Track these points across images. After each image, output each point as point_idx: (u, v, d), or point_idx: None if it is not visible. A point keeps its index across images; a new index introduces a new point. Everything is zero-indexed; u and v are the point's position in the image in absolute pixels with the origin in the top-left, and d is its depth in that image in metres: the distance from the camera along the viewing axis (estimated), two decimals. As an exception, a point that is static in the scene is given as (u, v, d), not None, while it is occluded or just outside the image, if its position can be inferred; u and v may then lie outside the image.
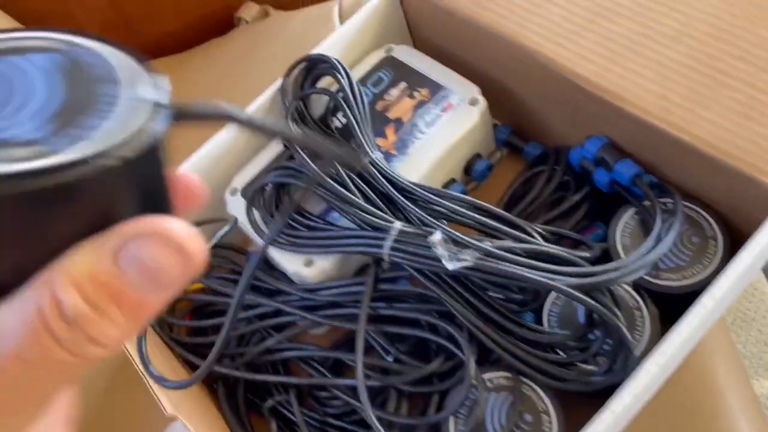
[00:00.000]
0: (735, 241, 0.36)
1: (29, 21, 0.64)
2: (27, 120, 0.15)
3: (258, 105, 0.44)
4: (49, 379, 0.14)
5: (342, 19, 0.61)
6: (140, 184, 0.16)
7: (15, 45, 0.17)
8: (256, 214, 0.41)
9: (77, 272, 0.13)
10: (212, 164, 0.43)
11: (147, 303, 0.14)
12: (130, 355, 0.38)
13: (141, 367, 0.37)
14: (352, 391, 0.37)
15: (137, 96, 0.16)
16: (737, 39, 0.36)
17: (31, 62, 0.17)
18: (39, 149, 0.14)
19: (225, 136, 0.43)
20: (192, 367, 0.41)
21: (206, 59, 0.63)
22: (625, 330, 0.30)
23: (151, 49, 0.70)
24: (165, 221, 0.14)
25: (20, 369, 0.13)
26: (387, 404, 0.36)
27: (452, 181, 0.44)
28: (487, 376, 0.35)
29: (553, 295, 0.37)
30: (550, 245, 0.34)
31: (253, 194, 0.41)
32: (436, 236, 0.34)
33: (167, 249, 0.14)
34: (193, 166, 0.43)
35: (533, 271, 0.32)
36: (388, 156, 0.42)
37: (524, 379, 0.34)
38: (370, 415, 0.34)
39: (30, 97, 0.16)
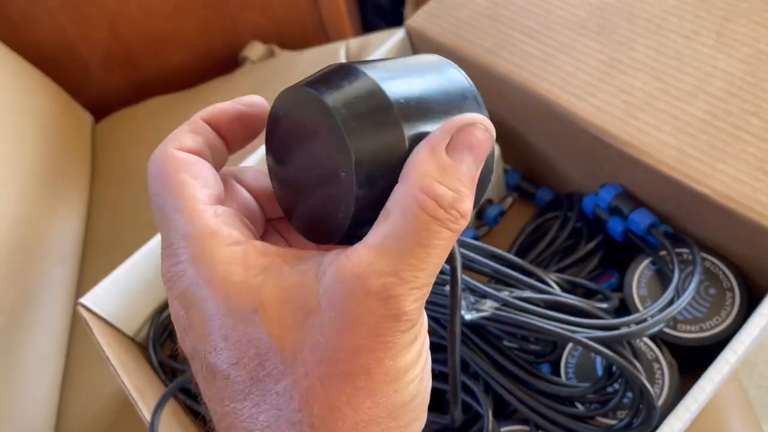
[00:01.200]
0: (752, 292, 0.36)
1: (31, 54, 0.64)
2: None
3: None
4: (440, 254, 0.19)
5: (349, 59, 0.62)
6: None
7: None
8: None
9: (434, 173, 0.19)
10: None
11: (476, 174, 0.20)
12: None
13: None
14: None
15: None
16: (751, 96, 0.37)
17: None
18: None
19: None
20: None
21: (212, 96, 0.63)
22: (647, 383, 0.30)
23: (154, 85, 0.70)
24: (462, 117, 0.20)
25: (424, 253, 0.18)
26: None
27: (464, 226, 0.44)
28: (504, 429, 0.34)
29: (570, 346, 0.36)
30: (568, 296, 0.33)
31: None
32: (454, 285, 0.34)
33: (476, 129, 0.20)
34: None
35: (553, 323, 0.32)
36: (401, 200, 0.42)
37: (542, 433, 0.34)
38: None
39: None
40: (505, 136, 0.44)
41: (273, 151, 0.22)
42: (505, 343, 0.35)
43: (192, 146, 0.22)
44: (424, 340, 0.20)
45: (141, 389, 0.37)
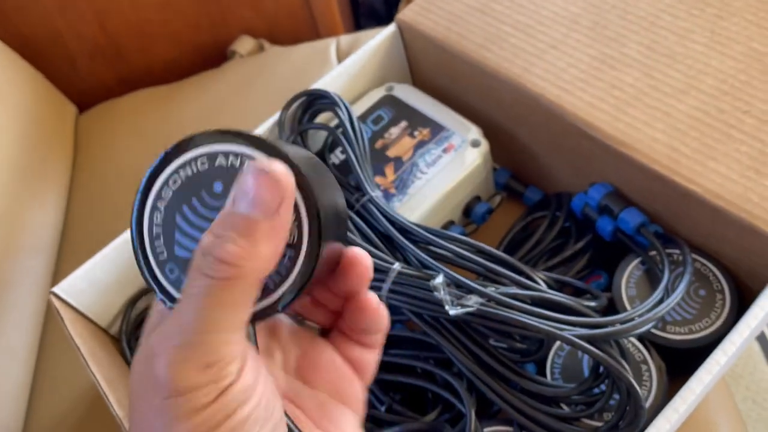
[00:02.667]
0: (742, 294, 0.35)
1: (18, 45, 0.63)
2: None
3: (254, 137, 0.43)
4: (211, 304, 0.19)
5: (339, 56, 0.61)
6: None
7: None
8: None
9: (212, 228, 0.19)
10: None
11: (254, 222, 0.19)
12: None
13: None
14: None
15: None
16: (744, 94, 0.36)
17: None
18: None
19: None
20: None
21: (198, 90, 0.62)
22: (635, 384, 0.29)
23: (141, 78, 0.69)
24: (256, 161, 0.20)
25: (193, 305, 0.19)
26: (379, 457, 0.34)
27: (451, 223, 0.43)
28: (487, 429, 0.33)
29: (556, 345, 0.35)
30: (556, 293, 0.33)
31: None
32: (438, 279, 0.33)
33: (260, 177, 0.19)
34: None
35: (539, 320, 0.31)
36: (387, 195, 0.41)
37: (526, 434, 0.33)
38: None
39: None
40: (494, 134, 0.44)
41: None
42: (491, 341, 0.34)
43: None
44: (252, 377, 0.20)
45: (112, 381, 0.36)
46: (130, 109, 0.64)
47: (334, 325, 0.25)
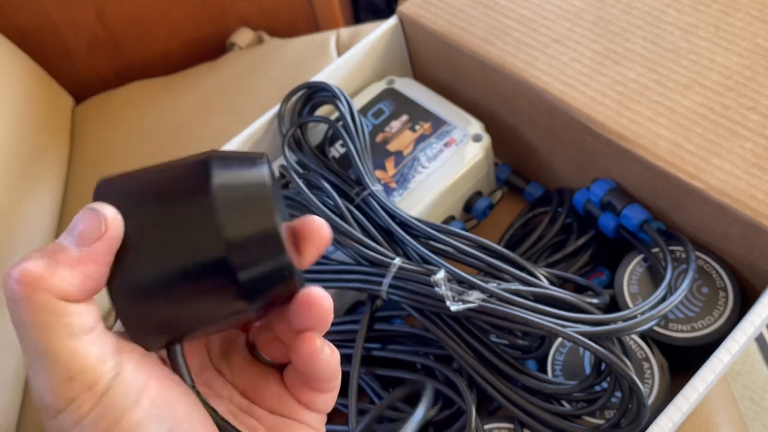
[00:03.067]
0: (745, 292, 0.35)
1: (15, 35, 0.62)
2: None
3: (254, 129, 0.42)
4: (32, 325, 0.19)
5: (339, 49, 0.60)
6: None
7: None
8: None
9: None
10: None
11: (61, 247, 0.20)
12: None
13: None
14: (341, 437, 0.35)
15: None
16: (749, 90, 0.36)
17: None
18: None
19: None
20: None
21: (196, 82, 0.62)
22: (638, 381, 0.29)
23: (139, 70, 0.69)
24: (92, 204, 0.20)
25: (18, 333, 0.19)
26: (379, 453, 0.34)
27: (451, 218, 0.42)
28: (487, 426, 0.33)
29: (558, 342, 0.35)
30: (558, 290, 0.32)
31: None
32: (440, 275, 0.32)
33: (86, 212, 0.20)
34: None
35: (541, 316, 0.31)
36: (387, 189, 0.40)
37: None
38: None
39: None
40: (496, 128, 0.43)
41: None
42: (492, 338, 0.34)
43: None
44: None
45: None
46: (126, 100, 0.63)
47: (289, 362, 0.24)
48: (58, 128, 0.62)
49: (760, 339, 0.76)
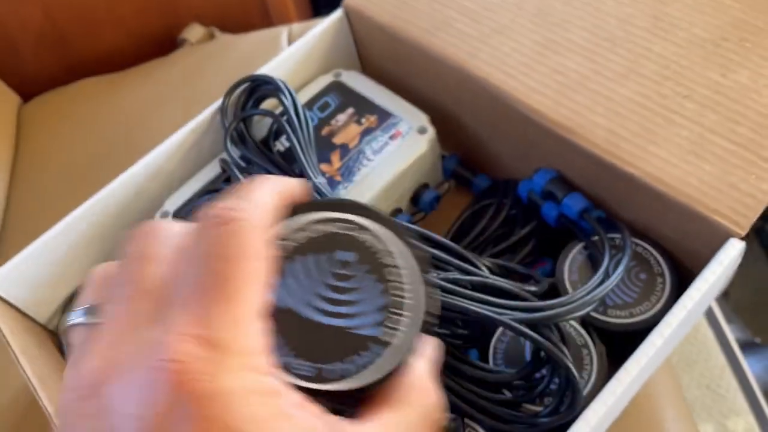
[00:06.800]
0: (682, 278, 0.35)
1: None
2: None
3: (196, 124, 0.42)
4: None
5: (291, 44, 0.60)
6: None
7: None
8: (188, 238, 0.38)
9: (429, 382, 0.22)
10: (142, 184, 0.41)
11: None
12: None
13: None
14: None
15: None
16: (685, 79, 0.36)
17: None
18: None
19: (156, 156, 0.41)
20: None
21: (146, 78, 0.61)
22: (572, 368, 0.29)
23: (88, 66, 0.67)
24: (432, 338, 0.24)
25: None
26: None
27: (398, 210, 0.42)
28: (428, 416, 0.33)
29: (499, 331, 0.35)
30: (497, 278, 0.32)
31: (185, 217, 0.38)
32: (379, 266, 0.32)
33: (440, 349, 0.24)
34: (123, 186, 0.40)
35: (479, 305, 0.31)
36: (332, 182, 0.40)
37: (468, 421, 0.32)
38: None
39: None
40: (442, 120, 0.43)
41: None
42: (435, 329, 0.34)
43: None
44: None
45: (43, 378, 0.34)
46: (75, 97, 0.62)
47: None
48: (4, 127, 0.61)
49: (716, 327, 0.78)
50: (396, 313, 0.22)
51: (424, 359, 0.22)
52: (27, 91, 0.65)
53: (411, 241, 0.23)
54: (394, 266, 0.22)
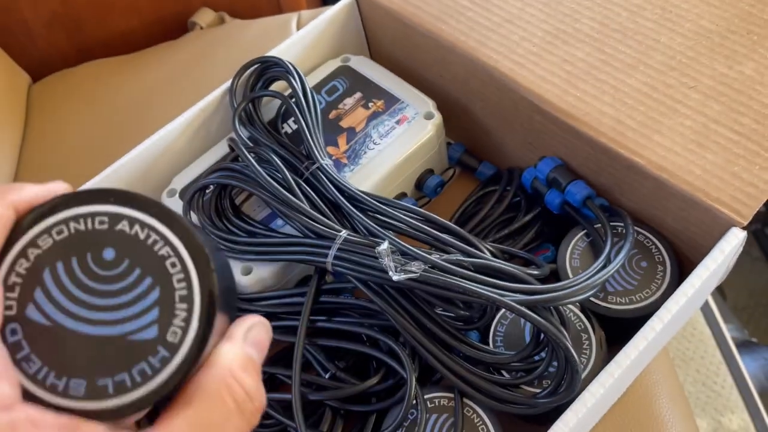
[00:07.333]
0: (683, 267, 0.35)
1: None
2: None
3: (205, 103, 0.42)
4: None
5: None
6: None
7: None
8: (193, 216, 0.39)
9: (237, 364, 0.20)
10: (150, 163, 0.41)
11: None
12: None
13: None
14: (285, 409, 0.35)
15: None
16: (691, 70, 0.36)
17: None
18: None
19: (165, 135, 0.41)
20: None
21: (155, 61, 0.61)
22: (571, 348, 0.29)
23: (99, 49, 0.68)
24: (254, 316, 0.22)
25: None
26: (321, 423, 0.34)
27: (403, 195, 0.43)
28: (428, 396, 0.33)
29: (499, 314, 0.35)
30: (499, 261, 0.33)
31: (192, 195, 0.39)
32: (383, 246, 0.33)
33: (264, 327, 0.22)
34: (131, 163, 0.40)
35: (480, 286, 0.31)
36: (338, 165, 0.41)
37: (467, 401, 0.33)
38: (302, 433, 0.32)
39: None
40: (449, 108, 0.44)
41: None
42: (436, 310, 0.34)
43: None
44: None
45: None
46: (85, 78, 0.62)
47: None
48: (13, 107, 0.61)
49: (714, 325, 0.78)
50: (177, 308, 0.19)
51: (234, 343, 0.20)
52: (37, 71, 0.66)
53: (183, 224, 0.20)
54: (165, 255, 0.20)
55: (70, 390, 0.19)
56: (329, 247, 0.34)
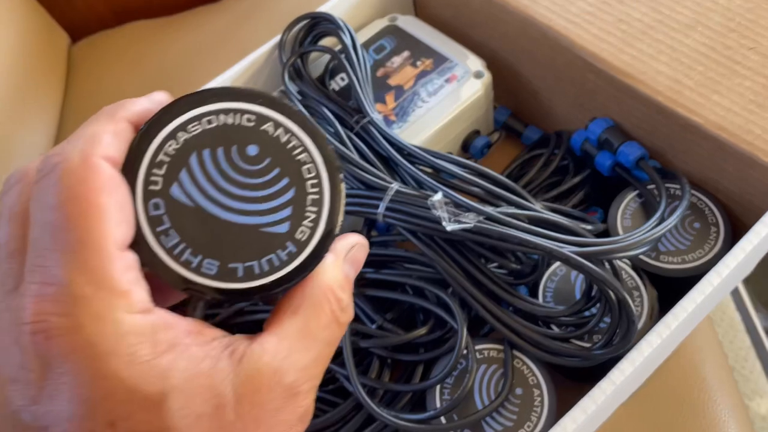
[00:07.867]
0: (736, 230, 0.35)
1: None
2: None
3: (253, 58, 0.42)
4: (332, 354, 0.21)
5: None
6: None
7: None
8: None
9: (338, 281, 0.21)
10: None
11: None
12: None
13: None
14: (334, 356, 0.35)
15: None
16: (750, 32, 0.36)
17: None
18: None
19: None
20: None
21: (195, 23, 0.61)
22: (628, 298, 0.29)
23: (138, 11, 0.68)
24: (355, 235, 0.23)
25: (328, 350, 0.21)
26: (369, 371, 0.34)
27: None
28: (477, 347, 0.33)
29: (550, 270, 0.35)
30: (553, 214, 0.33)
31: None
32: (437, 197, 0.33)
33: (363, 249, 0.24)
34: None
35: (537, 237, 0.31)
36: (387, 122, 0.41)
37: (516, 353, 0.33)
38: (355, 380, 0.32)
39: None
40: (497, 69, 0.43)
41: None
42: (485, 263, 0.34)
43: (117, 158, 0.19)
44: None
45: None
46: (124, 39, 0.62)
47: None
48: (54, 65, 0.62)
49: (743, 311, 0.77)
50: (308, 210, 0.21)
51: (337, 259, 0.21)
52: (76, 32, 0.66)
53: (323, 136, 0.21)
54: (302, 161, 0.21)
55: (203, 268, 0.20)
56: (381, 198, 0.34)
